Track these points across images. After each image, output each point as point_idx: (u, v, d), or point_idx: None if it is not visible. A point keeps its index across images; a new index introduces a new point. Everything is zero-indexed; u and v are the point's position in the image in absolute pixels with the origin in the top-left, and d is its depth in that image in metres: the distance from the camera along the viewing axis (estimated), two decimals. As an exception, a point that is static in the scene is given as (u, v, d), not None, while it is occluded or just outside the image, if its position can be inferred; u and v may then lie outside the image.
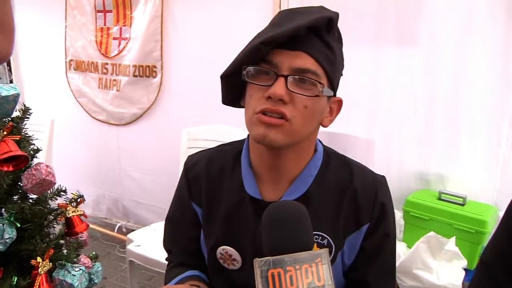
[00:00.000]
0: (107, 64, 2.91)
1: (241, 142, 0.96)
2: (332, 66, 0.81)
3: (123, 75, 2.84)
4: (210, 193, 0.94)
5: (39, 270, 1.21)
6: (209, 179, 0.94)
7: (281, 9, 2.15)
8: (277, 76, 0.77)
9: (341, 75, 0.87)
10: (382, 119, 2.04)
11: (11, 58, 3.17)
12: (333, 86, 0.83)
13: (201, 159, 0.97)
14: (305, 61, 0.77)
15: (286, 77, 0.76)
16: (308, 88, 0.77)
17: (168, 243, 1.05)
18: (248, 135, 0.92)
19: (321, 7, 0.83)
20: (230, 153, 0.95)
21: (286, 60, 0.77)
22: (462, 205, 1.74)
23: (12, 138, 1.21)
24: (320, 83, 0.78)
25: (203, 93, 2.49)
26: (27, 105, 1.36)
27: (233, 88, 0.87)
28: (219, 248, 0.91)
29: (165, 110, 2.75)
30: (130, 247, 2.08)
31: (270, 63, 0.78)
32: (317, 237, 0.85)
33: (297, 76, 0.77)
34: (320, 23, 0.78)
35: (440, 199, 1.80)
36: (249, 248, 0.88)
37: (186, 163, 1.00)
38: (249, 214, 0.88)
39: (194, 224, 0.97)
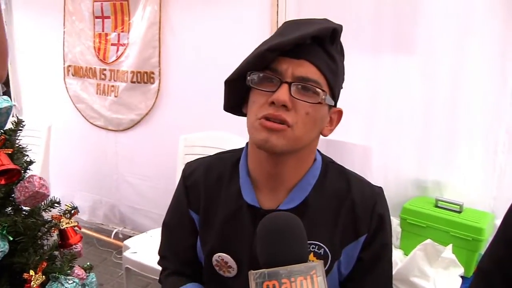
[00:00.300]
0: (105, 70, 2.91)
1: (239, 150, 0.96)
2: (334, 76, 0.82)
3: (121, 81, 2.84)
4: (208, 200, 0.94)
5: (32, 283, 1.20)
6: (207, 186, 0.95)
7: (279, 16, 2.16)
8: (281, 82, 0.78)
9: (342, 87, 0.88)
10: (380, 126, 2.04)
11: (9, 63, 3.17)
12: (334, 96, 0.84)
13: (200, 167, 0.98)
14: (308, 70, 0.79)
15: (289, 84, 0.78)
16: (310, 95, 0.79)
17: (164, 249, 1.05)
18: (247, 143, 0.92)
19: (325, 19, 0.85)
20: (228, 161, 0.96)
21: (290, 68, 0.78)
22: (459, 212, 1.74)
23: (5, 152, 1.20)
24: (322, 90, 0.79)
25: (200, 99, 2.49)
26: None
27: (236, 94, 0.88)
28: (215, 255, 0.91)
29: (163, 116, 2.75)
30: (126, 254, 2.07)
31: (274, 70, 0.79)
32: (314, 246, 0.85)
33: (300, 84, 0.78)
34: (324, 33, 0.80)
35: (437, 206, 1.80)
36: (245, 256, 0.88)
37: (184, 170, 1.00)
38: (246, 222, 0.88)
39: (191, 231, 0.97)
